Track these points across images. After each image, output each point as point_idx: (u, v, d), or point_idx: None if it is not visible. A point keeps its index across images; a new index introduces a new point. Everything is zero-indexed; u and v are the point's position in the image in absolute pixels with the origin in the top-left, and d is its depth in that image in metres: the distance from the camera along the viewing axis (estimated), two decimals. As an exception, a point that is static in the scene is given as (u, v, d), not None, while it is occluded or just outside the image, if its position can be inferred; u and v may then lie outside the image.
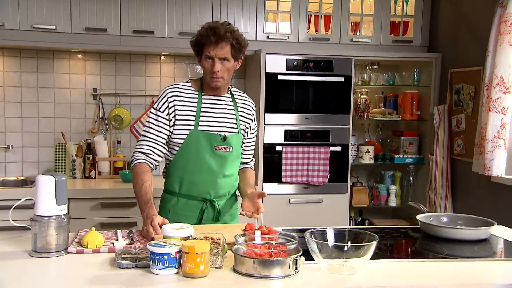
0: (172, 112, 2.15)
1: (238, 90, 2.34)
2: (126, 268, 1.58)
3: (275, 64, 3.39)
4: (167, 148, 2.20)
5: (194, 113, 2.16)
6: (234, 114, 2.24)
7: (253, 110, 2.34)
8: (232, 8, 3.48)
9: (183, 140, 2.14)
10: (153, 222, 1.88)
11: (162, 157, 2.21)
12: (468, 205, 3.38)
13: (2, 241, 1.86)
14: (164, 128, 2.16)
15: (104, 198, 3.14)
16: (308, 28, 3.63)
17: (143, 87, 3.72)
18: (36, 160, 3.61)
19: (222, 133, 2.17)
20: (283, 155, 3.41)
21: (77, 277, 1.54)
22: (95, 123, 3.68)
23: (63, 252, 1.73)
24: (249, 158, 2.42)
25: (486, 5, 3.16)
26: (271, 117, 3.41)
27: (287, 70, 3.41)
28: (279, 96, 3.41)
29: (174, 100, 2.15)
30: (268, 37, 3.55)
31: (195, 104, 2.17)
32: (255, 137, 2.42)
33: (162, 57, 3.74)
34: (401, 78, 3.79)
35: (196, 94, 2.20)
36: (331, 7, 3.64)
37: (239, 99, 2.29)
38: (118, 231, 1.99)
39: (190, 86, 2.22)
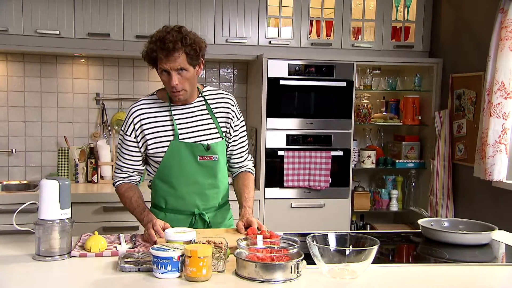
0: (140, 133, 2.05)
1: (211, 89, 2.17)
2: (129, 272, 1.59)
3: (277, 69, 3.40)
4: (144, 165, 2.14)
5: (169, 125, 2.05)
6: (211, 119, 2.10)
7: (233, 105, 2.15)
8: (234, 13, 3.51)
9: (164, 154, 2.04)
10: (155, 226, 1.88)
11: (142, 174, 2.17)
12: (469, 210, 3.38)
13: (6, 244, 1.87)
14: (134, 151, 2.08)
15: (106, 202, 3.15)
16: (310, 33, 3.64)
17: (145, 92, 3.74)
18: (39, 165, 3.63)
19: (205, 142, 2.05)
20: (285, 160, 3.42)
21: (80, 281, 1.55)
22: (97, 127, 3.70)
23: (66, 255, 1.74)
24: (242, 157, 2.23)
25: (487, 11, 3.17)
26: (272, 122, 3.42)
27: (288, 75, 3.42)
28: (280, 101, 3.43)
29: (140, 120, 2.04)
30: (270, 42, 3.57)
31: (167, 117, 2.05)
32: (244, 132, 2.21)
33: (165, 62, 3.75)
34: (403, 83, 3.80)
35: (165, 105, 2.07)
36: (332, 12, 3.66)
37: (213, 99, 2.13)
38: (121, 235, 2.00)
39: (156, 99, 2.09)
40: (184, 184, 2.07)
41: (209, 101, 2.13)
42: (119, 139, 2.13)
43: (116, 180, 2.15)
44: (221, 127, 2.13)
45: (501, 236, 2.18)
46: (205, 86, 2.19)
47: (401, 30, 3.79)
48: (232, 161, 2.23)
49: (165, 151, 2.04)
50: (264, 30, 3.56)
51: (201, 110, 2.11)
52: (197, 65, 2.00)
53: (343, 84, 3.49)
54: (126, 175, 2.14)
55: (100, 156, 3.56)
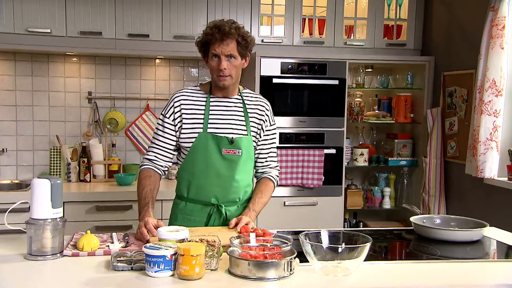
0: (178, 117, 2.14)
1: (251, 92, 2.28)
2: (122, 270, 1.59)
3: (270, 67, 3.40)
4: (175, 153, 2.21)
5: (202, 116, 2.13)
6: (244, 117, 2.18)
7: (268, 110, 2.25)
8: (227, 11, 3.50)
9: (192, 144, 2.12)
10: (148, 225, 1.88)
11: (170, 162, 2.21)
12: (461, 207, 3.40)
13: (-3, 244, 1.86)
14: (170, 134, 2.16)
15: (99, 201, 3.14)
16: (303, 32, 3.65)
17: (138, 91, 3.73)
18: (31, 164, 3.61)
19: (230, 136, 2.12)
20: (278, 158, 3.41)
21: (73, 280, 1.54)
22: (90, 126, 3.68)
23: (58, 255, 1.73)
24: (268, 164, 2.28)
25: (478, 9, 3.19)
26: (265, 120, 3.41)
27: (281, 73, 3.43)
28: (273, 99, 3.42)
29: (181, 105, 2.14)
30: (262, 40, 3.57)
31: (203, 107, 2.15)
32: (275, 139, 2.29)
33: (157, 61, 3.75)
34: (395, 81, 3.82)
35: (204, 97, 2.17)
36: (325, 10, 3.67)
37: (250, 101, 2.23)
38: (114, 234, 1.99)
39: (198, 90, 2.20)
40: (206, 175, 2.12)
41: (246, 101, 2.22)
42: (157, 123, 2.20)
43: (143, 163, 2.20)
44: (251, 126, 2.19)
45: (492, 233, 2.20)
46: (245, 88, 2.27)
47: (393, 28, 3.80)
48: (257, 164, 2.27)
49: (195, 137, 2.11)
50: (257, 29, 3.56)
51: (238, 106, 2.19)
52: (244, 58, 2.13)
53: (336, 82, 3.49)
54: (154, 157, 2.18)
55: (93, 155, 3.55)
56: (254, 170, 2.29)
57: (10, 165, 3.58)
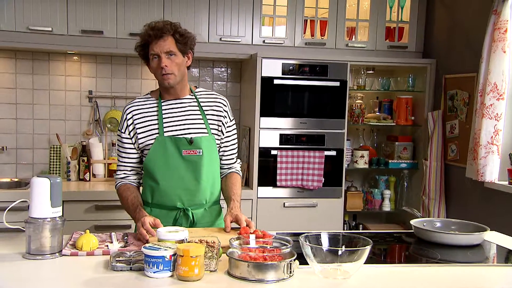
0: (132, 129, 2.11)
1: (204, 90, 2.24)
2: (121, 271, 1.58)
3: (271, 68, 3.40)
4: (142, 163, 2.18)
5: (156, 121, 2.10)
6: (200, 115, 2.14)
7: (225, 106, 2.20)
8: (229, 12, 3.50)
9: (150, 150, 2.09)
10: (145, 225, 1.87)
11: (141, 174, 2.20)
12: (461, 211, 3.40)
13: (-4, 243, 1.85)
14: (131, 149, 2.14)
15: (98, 200, 3.14)
16: (304, 33, 3.64)
17: (138, 90, 3.72)
18: (31, 162, 3.60)
19: (189, 136, 2.08)
20: (278, 159, 3.41)
21: (71, 280, 1.54)
22: (90, 125, 3.68)
23: (57, 254, 1.72)
24: (232, 159, 2.28)
25: (481, 13, 3.19)
26: (266, 121, 3.41)
27: (282, 74, 3.42)
28: (274, 100, 3.42)
29: (133, 116, 2.11)
30: (264, 41, 3.56)
31: (156, 113, 2.11)
32: (236, 135, 2.27)
33: (158, 60, 3.74)
34: (396, 83, 3.81)
35: (155, 102, 2.14)
36: (327, 12, 3.66)
37: (204, 98, 2.19)
38: (113, 233, 1.98)
39: (149, 97, 2.17)
40: (168, 179, 2.08)
41: (200, 100, 2.18)
42: (117, 139, 2.19)
43: (117, 182, 2.19)
44: (210, 124, 2.15)
45: (492, 237, 2.19)
46: (198, 88, 2.24)
47: (395, 30, 3.79)
48: (223, 162, 2.25)
49: (152, 144, 2.08)
50: (258, 29, 3.56)
51: (192, 106, 2.16)
52: (186, 55, 2.10)
53: (337, 84, 3.49)
54: (125, 175, 2.17)
55: (92, 154, 3.54)
56: (220, 168, 2.24)
57: (9, 163, 3.57)
